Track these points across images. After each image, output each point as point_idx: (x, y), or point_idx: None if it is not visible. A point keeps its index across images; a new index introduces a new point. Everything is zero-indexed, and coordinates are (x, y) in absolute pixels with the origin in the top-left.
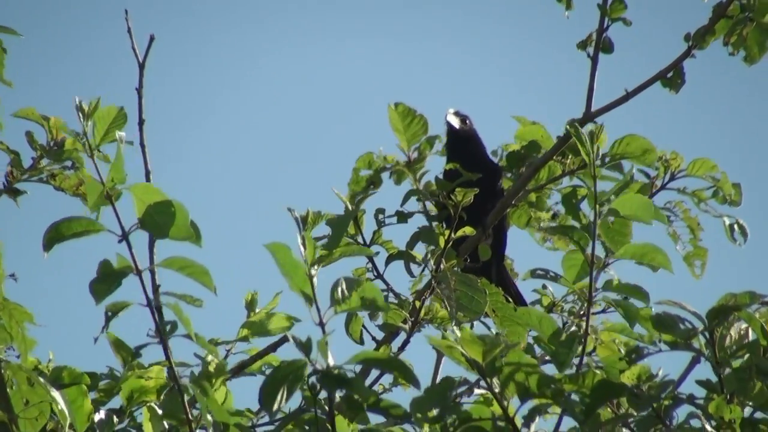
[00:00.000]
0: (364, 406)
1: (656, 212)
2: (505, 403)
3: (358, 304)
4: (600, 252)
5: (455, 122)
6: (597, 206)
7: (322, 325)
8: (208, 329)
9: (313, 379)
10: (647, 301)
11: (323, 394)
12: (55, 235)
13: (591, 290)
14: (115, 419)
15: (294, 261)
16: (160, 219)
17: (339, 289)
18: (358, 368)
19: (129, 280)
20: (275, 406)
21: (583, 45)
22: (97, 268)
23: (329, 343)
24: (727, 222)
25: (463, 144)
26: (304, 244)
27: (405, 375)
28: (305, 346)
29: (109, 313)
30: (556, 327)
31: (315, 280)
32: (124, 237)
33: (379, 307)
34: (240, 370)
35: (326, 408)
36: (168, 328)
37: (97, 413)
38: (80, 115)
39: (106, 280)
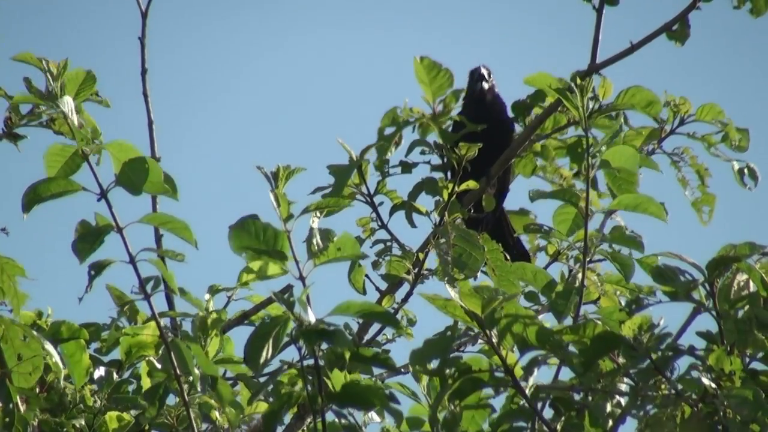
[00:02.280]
0: (346, 357)
1: (646, 161)
2: (504, 353)
3: (335, 255)
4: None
5: (486, 85)
6: (589, 158)
7: (302, 279)
8: (210, 278)
9: (295, 333)
10: (642, 251)
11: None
12: (34, 196)
13: (586, 242)
14: (115, 376)
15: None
16: (134, 176)
17: (314, 242)
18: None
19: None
20: (260, 361)
21: None
22: (75, 229)
23: (325, 296)
24: (737, 166)
25: (487, 105)
26: (277, 201)
27: (389, 323)
28: (287, 302)
29: (92, 272)
30: (550, 279)
31: (291, 235)
32: (103, 195)
33: (355, 256)
34: (242, 320)
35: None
36: (152, 283)
37: (97, 370)
38: (49, 77)
39: (88, 238)
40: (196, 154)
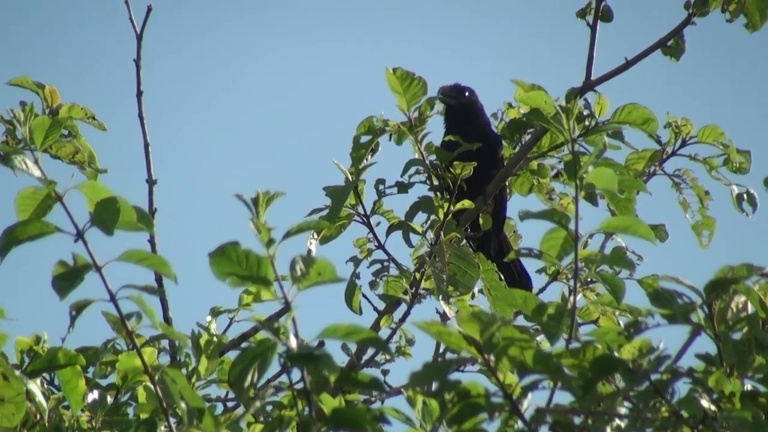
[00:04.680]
0: (330, 381)
1: (638, 183)
2: (502, 377)
3: (316, 280)
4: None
5: (448, 99)
6: (578, 181)
7: (287, 303)
8: (215, 299)
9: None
10: (633, 270)
11: None
12: (10, 239)
13: (576, 265)
14: (109, 400)
15: None
16: (106, 215)
17: (297, 267)
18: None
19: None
20: (245, 385)
21: (582, 13)
22: (53, 270)
23: (327, 320)
24: (736, 191)
25: (460, 118)
26: (257, 228)
27: (376, 345)
28: (272, 327)
29: (74, 312)
30: (540, 303)
31: (275, 261)
32: (80, 236)
33: (333, 280)
34: (241, 341)
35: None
36: (133, 319)
37: (90, 393)
38: (17, 123)
39: (68, 277)
40: (194, 174)
